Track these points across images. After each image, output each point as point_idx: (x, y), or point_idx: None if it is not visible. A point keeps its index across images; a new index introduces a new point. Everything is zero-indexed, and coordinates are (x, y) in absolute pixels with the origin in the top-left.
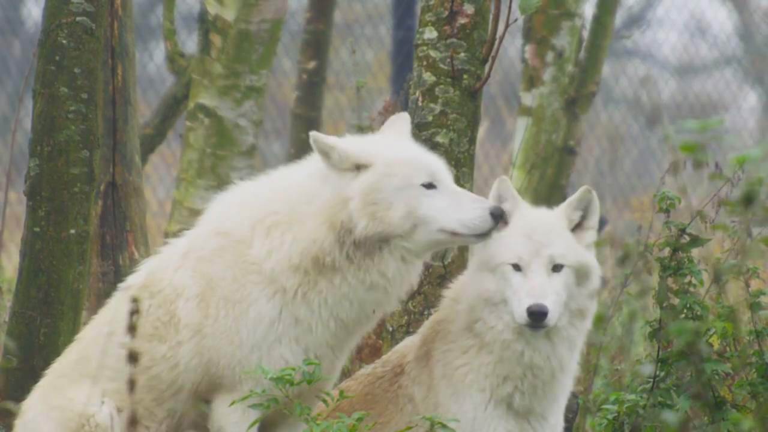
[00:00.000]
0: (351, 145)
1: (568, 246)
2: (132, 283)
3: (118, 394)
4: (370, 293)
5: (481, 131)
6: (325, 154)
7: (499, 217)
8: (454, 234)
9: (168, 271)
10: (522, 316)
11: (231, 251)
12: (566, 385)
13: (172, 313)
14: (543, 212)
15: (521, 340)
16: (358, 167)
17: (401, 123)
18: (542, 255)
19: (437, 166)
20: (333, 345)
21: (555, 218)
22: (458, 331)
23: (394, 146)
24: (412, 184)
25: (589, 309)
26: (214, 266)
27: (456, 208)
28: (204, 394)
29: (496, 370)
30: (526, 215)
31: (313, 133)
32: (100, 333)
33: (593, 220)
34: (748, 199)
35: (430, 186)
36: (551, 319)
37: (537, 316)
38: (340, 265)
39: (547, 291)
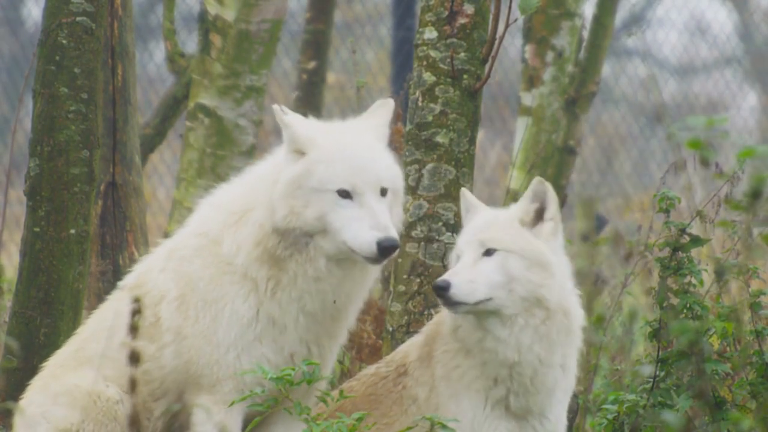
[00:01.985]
0: (302, 128)
1: (504, 232)
2: (126, 282)
3: (118, 380)
4: (321, 284)
5: (481, 134)
6: (284, 127)
7: (388, 249)
8: (352, 251)
9: (154, 273)
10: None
11: (208, 251)
12: (559, 380)
13: (157, 315)
14: (498, 210)
15: (479, 329)
16: (299, 152)
17: (383, 110)
18: (474, 241)
19: (364, 175)
20: (309, 340)
21: (504, 212)
22: (447, 334)
23: (336, 142)
24: (326, 188)
25: (547, 299)
26: (193, 266)
27: (355, 226)
28: (185, 395)
29: (485, 372)
30: (481, 214)
31: (275, 107)
32: (98, 328)
33: (551, 212)
34: (755, 195)
35: (345, 195)
36: (457, 294)
37: (437, 291)
38: (281, 255)
39: (460, 270)
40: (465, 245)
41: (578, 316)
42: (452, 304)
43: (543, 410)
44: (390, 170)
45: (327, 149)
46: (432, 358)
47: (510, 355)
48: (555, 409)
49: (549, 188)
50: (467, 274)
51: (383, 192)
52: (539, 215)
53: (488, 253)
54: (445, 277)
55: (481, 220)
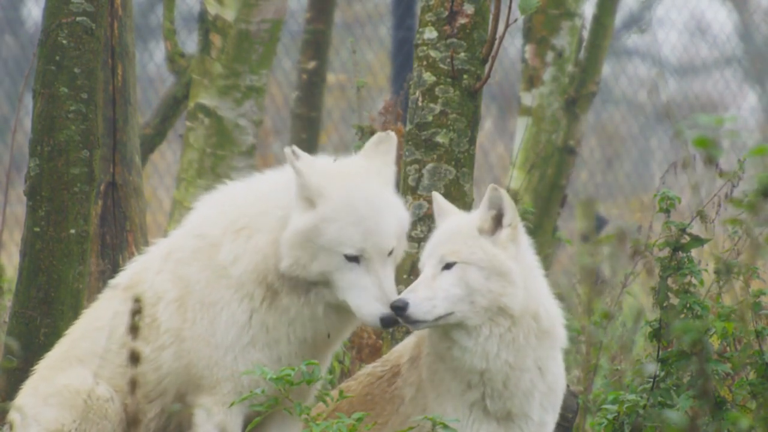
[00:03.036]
0: (313, 177)
1: (463, 244)
2: (119, 282)
3: (111, 380)
4: (314, 323)
5: (481, 135)
6: (294, 173)
7: (390, 322)
8: (353, 313)
9: (150, 273)
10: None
11: (205, 254)
12: (536, 382)
13: (154, 316)
14: (460, 216)
15: (446, 339)
16: (310, 201)
17: (386, 146)
18: (434, 255)
19: (373, 240)
20: (303, 355)
21: (464, 220)
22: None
23: (346, 198)
24: (335, 250)
25: (510, 306)
26: (190, 269)
27: (360, 293)
28: (186, 396)
29: (457, 377)
30: (443, 223)
31: (287, 150)
32: (90, 328)
33: (508, 218)
34: (763, 194)
35: (353, 259)
36: (415, 313)
37: (395, 311)
38: (278, 289)
39: (419, 287)
40: (426, 258)
41: (552, 317)
42: (411, 322)
43: (525, 411)
44: (398, 226)
45: (337, 207)
46: (420, 359)
47: (477, 363)
48: (536, 410)
49: (504, 194)
50: (426, 291)
51: (391, 251)
52: (497, 222)
53: (447, 266)
54: (403, 296)
55: (443, 230)
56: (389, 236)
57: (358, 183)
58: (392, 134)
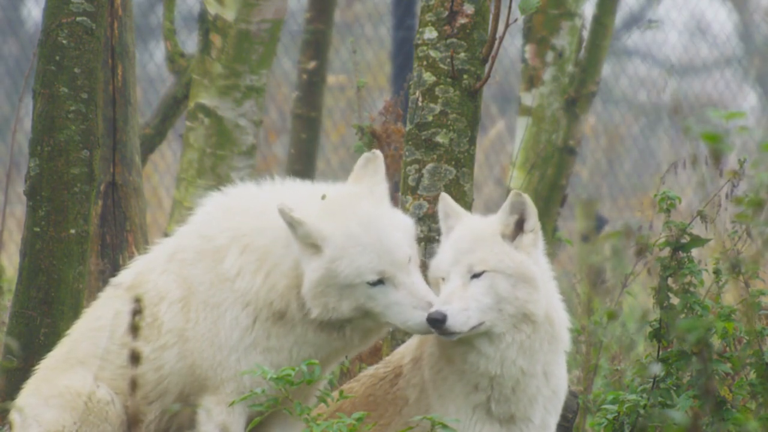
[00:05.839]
0: (313, 225)
1: (491, 252)
2: (121, 281)
3: (111, 381)
4: (332, 352)
5: (493, 132)
6: (291, 226)
7: (438, 321)
8: (400, 329)
9: (154, 273)
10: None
11: (210, 256)
12: (541, 387)
13: (155, 315)
14: (478, 221)
15: (465, 344)
16: (316, 247)
17: (374, 166)
18: (461, 263)
19: (387, 259)
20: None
21: (486, 225)
22: (433, 338)
23: (349, 233)
24: (356, 282)
25: (534, 313)
26: (194, 270)
27: (398, 309)
28: (190, 397)
29: (463, 379)
30: (461, 227)
31: (280, 207)
32: (90, 328)
33: (531, 223)
34: None
35: (377, 282)
36: (453, 325)
37: (432, 323)
38: (299, 323)
39: (452, 297)
40: (451, 267)
41: (562, 321)
42: (449, 334)
43: (528, 415)
44: (405, 236)
45: (340, 243)
46: (423, 360)
47: (492, 368)
48: (539, 413)
49: (527, 200)
50: (460, 301)
51: (409, 259)
52: (519, 227)
53: (476, 275)
54: (440, 308)
55: (463, 237)
56: (401, 248)
57: (353, 212)
58: (378, 153)
